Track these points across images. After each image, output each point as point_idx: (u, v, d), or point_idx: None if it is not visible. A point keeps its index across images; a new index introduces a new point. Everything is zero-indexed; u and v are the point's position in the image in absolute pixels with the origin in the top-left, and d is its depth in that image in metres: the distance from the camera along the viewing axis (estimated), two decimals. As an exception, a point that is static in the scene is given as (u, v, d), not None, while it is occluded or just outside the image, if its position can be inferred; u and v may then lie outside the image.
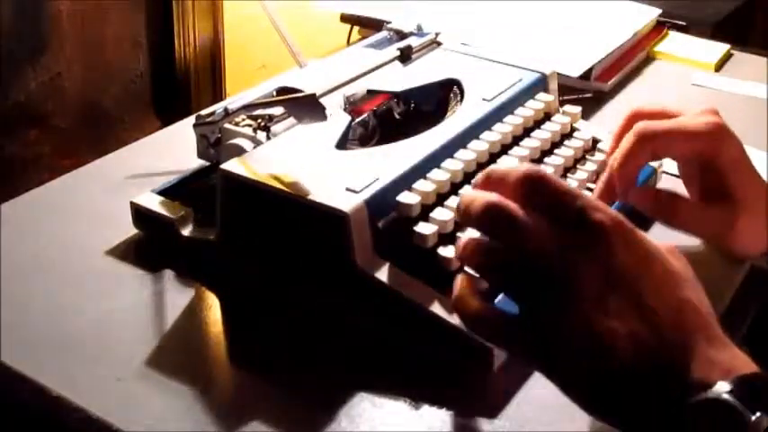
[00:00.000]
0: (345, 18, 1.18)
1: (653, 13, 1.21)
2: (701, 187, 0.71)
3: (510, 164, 0.69)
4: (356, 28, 1.18)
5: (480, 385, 0.59)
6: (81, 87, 1.04)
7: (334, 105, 0.74)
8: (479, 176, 0.54)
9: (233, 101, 0.73)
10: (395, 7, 1.09)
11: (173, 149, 0.81)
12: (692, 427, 0.45)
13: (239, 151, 0.68)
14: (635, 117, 0.71)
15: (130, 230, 0.72)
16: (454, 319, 0.59)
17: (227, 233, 0.67)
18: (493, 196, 0.51)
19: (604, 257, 0.49)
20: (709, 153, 0.67)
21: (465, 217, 0.53)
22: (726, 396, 0.45)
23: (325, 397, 0.58)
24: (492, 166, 0.56)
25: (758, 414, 0.44)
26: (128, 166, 0.83)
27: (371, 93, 0.79)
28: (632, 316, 0.48)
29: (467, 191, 0.65)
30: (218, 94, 1.20)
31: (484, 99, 0.77)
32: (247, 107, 0.71)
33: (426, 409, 0.57)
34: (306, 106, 0.69)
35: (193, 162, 0.75)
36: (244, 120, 0.72)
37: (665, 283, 0.49)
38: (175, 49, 1.14)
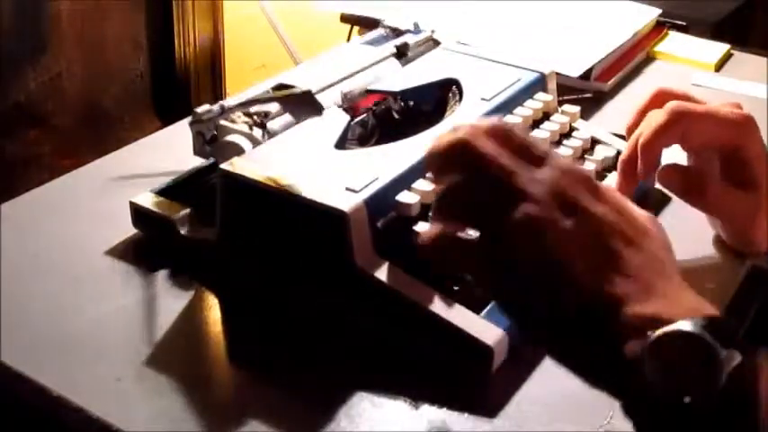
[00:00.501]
0: (345, 18, 1.18)
1: (653, 13, 1.21)
2: (722, 177, 0.70)
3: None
4: (356, 28, 1.18)
5: (480, 385, 0.59)
6: (81, 87, 1.05)
7: (331, 103, 0.74)
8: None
9: (229, 99, 0.73)
10: (395, 7, 1.09)
11: (173, 149, 0.81)
12: (654, 360, 0.43)
13: (235, 148, 0.68)
14: (661, 95, 0.71)
15: (130, 230, 0.72)
16: (454, 319, 0.59)
17: (227, 233, 0.67)
18: (462, 134, 0.49)
19: (568, 195, 0.47)
20: (737, 143, 0.67)
21: (433, 155, 0.50)
22: (695, 329, 0.42)
23: (325, 397, 0.58)
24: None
25: (728, 350, 0.42)
26: (128, 166, 0.83)
27: (370, 92, 0.79)
28: (599, 254, 0.46)
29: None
30: (217, 94, 1.20)
31: (483, 99, 0.77)
32: (243, 104, 0.71)
33: (426, 409, 0.57)
34: (301, 102, 0.69)
35: (193, 162, 0.75)
36: (240, 117, 0.72)
37: (634, 234, 0.48)
38: (175, 49, 1.14)
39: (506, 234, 0.47)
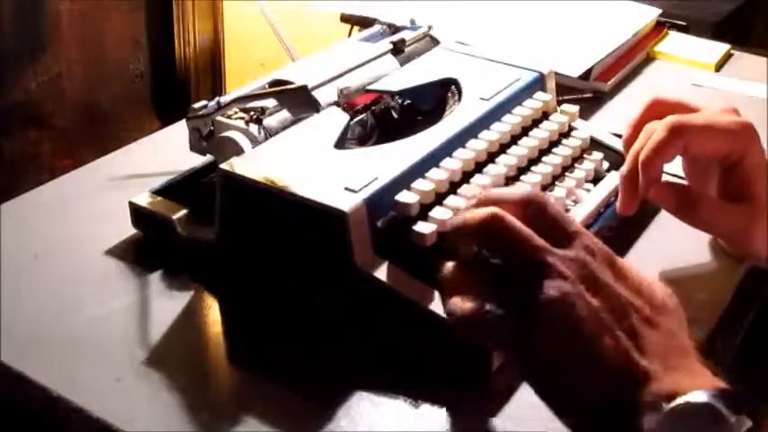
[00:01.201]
0: (345, 18, 1.18)
1: (653, 13, 1.21)
2: (720, 186, 0.69)
3: (501, 189, 0.68)
4: (356, 28, 1.18)
5: (480, 385, 0.59)
6: (81, 87, 1.04)
7: (328, 99, 0.74)
8: (473, 200, 0.56)
9: (226, 95, 0.73)
10: (395, 7, 1.09)
11: (173, 149, 0.81)
12: (670, 430, 0.46)
13: (232, 144, 0.68)
14: (656, 105, 0.70)
15: (130, 230, 0.72)
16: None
17: (227, 233, 0.67)
18: (494, 209, 0.52)
19: (593, 274, 0.50)
20: (738, 153, 0.66)
21: (464, 229, 0.53)
22: (707, 399, 0.45)
23: (325, 397, 0.58)
24: (486, 192, 0.58)
25: (738, 417, 0.45)
26: (128, 166, 0.83)
27: (369, 93, 0.79)
28: (622, 330, 0.49)
29: (466, 190, 0.66)
30: (217, 94, 1.20)
31: (482, 98, 0.77)
32: (239, 99, 0.71)
33: (426, 409, 0.57)
34: (297, 98, 0.69)
35: (193, 162, 0.75)
36: (236, 113, 0.72)
37: (653, 313, 0.51)
38: (175, 49, 1.14)
39: (535, 311, 0.49)
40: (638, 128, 0.70)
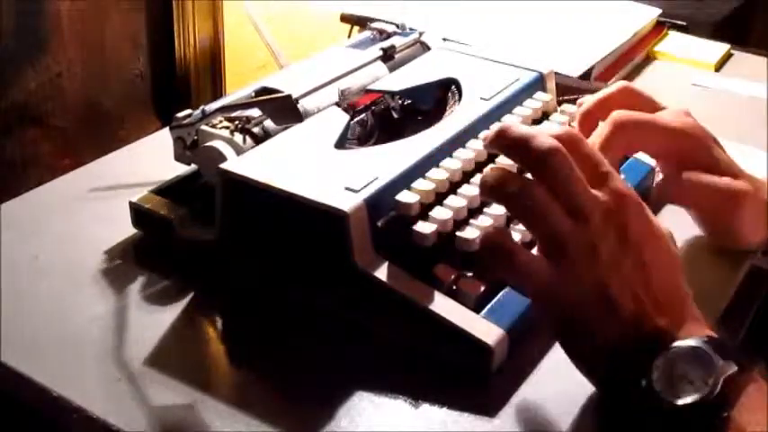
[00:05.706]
0: (345, 18, 1.18)
1: (653, 13, 1.21)
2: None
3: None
4: (356, 28, 1.18)
5: (480, 385, 0.59)
6: (81, 87, 1.04)
7: (314, 107, 0.74)
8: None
9: (211, 104, 0.72)
10: (396, 8, 1.09)
11: (172, 150, 0.81)
12: (662, 371, 0.49)
13: (216, 153, 0.68)
14: (623, 92, 0.71)
15: (130, 230, 0.72)
16: (454, 319, 0.59)
17: (227, 233, 0.67)
18: (557, 143, 0.53)
19: (623, 223, 0.53)
20: (686, 152, 0.68)
21: (524, 151, 0.54)
22: (696, 343, 0.49)
23: (325, 397, 0.58)
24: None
25: (725, 362, 0.48)
26: (128, 166, 0.83)
27: (369, 93, 0.79)
28: (639, 285, 0.52)
29: (466, 190, 0.66)
30: (218, 95, 1.20)
31: (482, 98, 0.77)
32: (224, 109, 0.71)
33: (426, 409, 0.57)
34: (282, 107, 0.69)
35: (193, 162, 0.75)
36: (221, 122, 0.71)
37: (668, 262, 0.54)
38: (175, 49, 1.14)
39: (560, 247, 0.52)
40: (601, 105, 0.69)
